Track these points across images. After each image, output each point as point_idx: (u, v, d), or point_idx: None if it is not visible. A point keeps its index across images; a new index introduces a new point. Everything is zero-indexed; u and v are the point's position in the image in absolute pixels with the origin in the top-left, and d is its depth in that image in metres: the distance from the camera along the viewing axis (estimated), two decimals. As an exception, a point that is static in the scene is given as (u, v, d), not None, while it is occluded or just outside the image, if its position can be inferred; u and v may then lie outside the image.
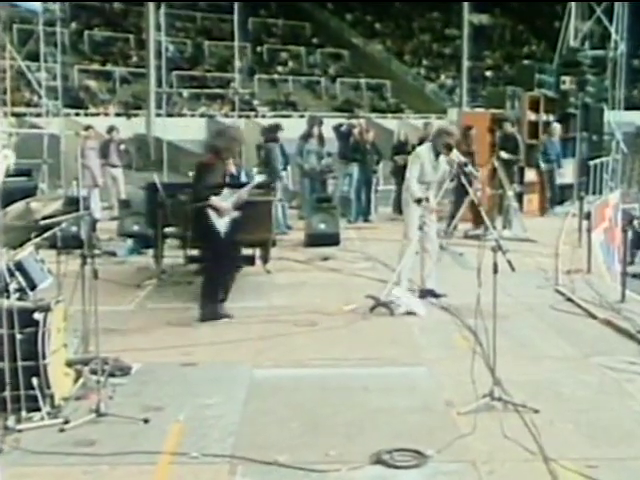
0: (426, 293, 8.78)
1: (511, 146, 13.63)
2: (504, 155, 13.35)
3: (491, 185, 13.05)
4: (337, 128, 16.01)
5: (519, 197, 15.03)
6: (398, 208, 14.81)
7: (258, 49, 38.86)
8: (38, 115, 22.94)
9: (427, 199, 8.46)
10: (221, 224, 7.89)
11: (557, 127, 16.99)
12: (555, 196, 16.67)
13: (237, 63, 27.53)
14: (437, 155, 8.47)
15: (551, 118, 17.94)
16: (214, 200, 7.85)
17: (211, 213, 7.86)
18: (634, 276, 10.19)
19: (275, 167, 13.59)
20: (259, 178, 8.71)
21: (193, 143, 26.91)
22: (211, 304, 7.99)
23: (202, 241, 8.41)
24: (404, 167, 9.08)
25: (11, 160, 4.04)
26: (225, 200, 7.98)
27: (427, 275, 8.80)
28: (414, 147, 9.47)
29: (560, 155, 16.75)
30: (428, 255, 8.73)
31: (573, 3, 21.23)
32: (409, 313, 8.16)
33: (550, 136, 16.58)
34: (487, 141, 14.16)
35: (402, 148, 15.54)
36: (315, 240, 12.46)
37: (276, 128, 14.15)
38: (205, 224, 7.89)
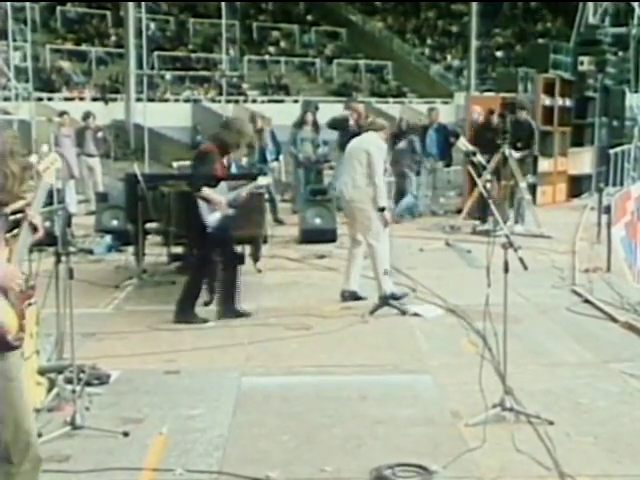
0: (349, 295, 8.82)
1: (524, 134, 13.62)
2: (515, 154, 13.17)
3: (502, 176, 13.03)
4: (331, 125, 15.76)
5: (532, 189, 15.04)
6: (399, 201, 14.81)
7: (247, 27, 38.84)
8: (6, 99, 22.96)
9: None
10: (211, 219, 7.84)
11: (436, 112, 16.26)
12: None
13: (224, 43, 27.54)
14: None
15: (567, 103, 17.84)
16: (207, 191, 7.81)
17: (202, 205, 7.81)
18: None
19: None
20: (263, 180, 8.62)
21: (176, 130, 26.96)
22: (190, 305, 8.02)
23: (188, 234, 8.43)
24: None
25: (58, 164, 4.02)
26: (221, 195, 7.93)
27: (354, 277, 8.88)
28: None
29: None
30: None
31: (592, -24, 21.30)
32: (416, 314, 8.22)
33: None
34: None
35: (402, 137, 15.47)
36: (310, 236, 12.46)
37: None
38: (193, 216, 7.84)
